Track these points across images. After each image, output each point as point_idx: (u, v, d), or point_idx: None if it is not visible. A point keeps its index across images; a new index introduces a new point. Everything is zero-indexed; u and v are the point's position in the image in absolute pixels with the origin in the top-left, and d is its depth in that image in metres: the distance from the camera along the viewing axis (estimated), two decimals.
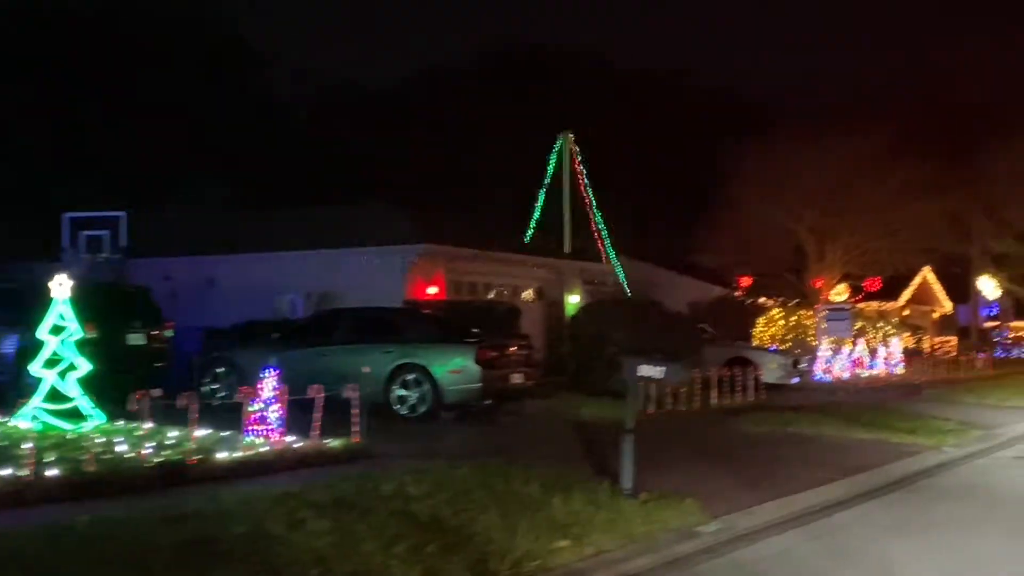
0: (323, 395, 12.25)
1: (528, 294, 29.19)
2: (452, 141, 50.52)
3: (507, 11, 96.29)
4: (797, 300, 36.46)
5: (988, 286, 37.75)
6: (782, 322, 33.54)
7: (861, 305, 44.63)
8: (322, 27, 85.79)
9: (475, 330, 17.83)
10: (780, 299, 37.25)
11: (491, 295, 27.94)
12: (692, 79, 62.90)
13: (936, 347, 52.23)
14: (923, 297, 58.82)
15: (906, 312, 56.13)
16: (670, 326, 21.12)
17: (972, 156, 37.11)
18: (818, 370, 30.71)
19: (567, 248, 34.42)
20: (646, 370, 9.86)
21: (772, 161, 36.01)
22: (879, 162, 35.39)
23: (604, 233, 35.48)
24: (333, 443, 12.15)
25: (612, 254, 35.82)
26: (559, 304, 29.31)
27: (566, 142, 36.29)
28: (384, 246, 24.40)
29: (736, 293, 39.90)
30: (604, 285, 32.33)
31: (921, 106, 40.59)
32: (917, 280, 55.61)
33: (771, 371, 25.70)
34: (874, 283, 38.79)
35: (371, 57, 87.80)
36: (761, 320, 33.72)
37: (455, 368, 16.53)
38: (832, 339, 31.68)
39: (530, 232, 34.72)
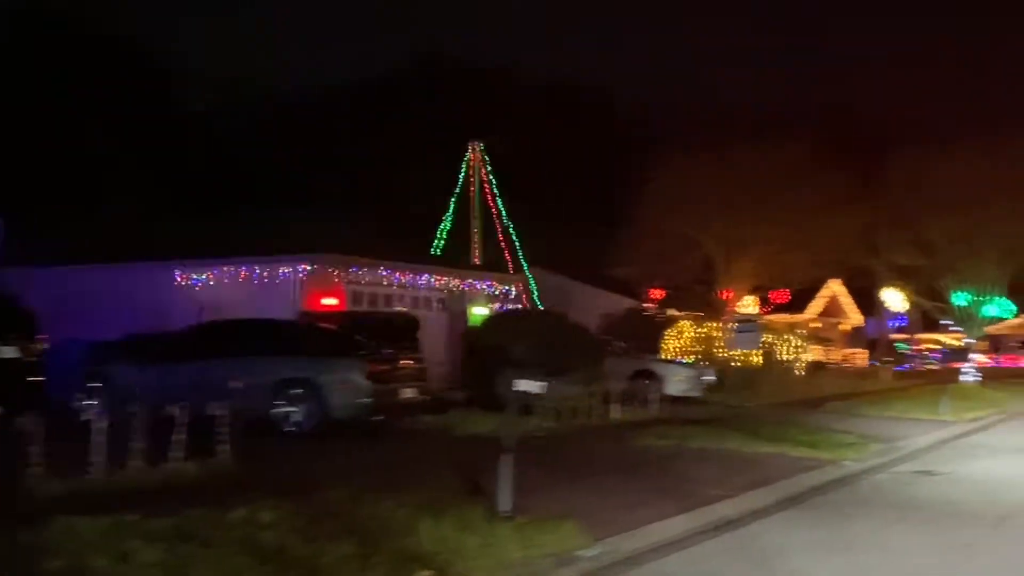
0: (186, 412, 11.40)
1: (434, 306, 28.51)
2: (363, 152, 49.72)
3: (420, 25, 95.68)
4: (706, 312, 36.29)
5: (894, 299, 37.98)
6: (691, 334, 33.28)
7: (771, 317, 44.79)
8: (232, 38, 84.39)
9: (365, 342, 17.14)
10: (691, 311, 37.11)
11: (398, 307, 27.19)
12: (602, 92, 62.86)
13: (844, 359, 52.78)
14: (832, 309, 59.49)
15: (816, 324, 56.68)
16: (573, 338, 20.60)
17: (875, 170, 37.32)
18: None
19: (476, 259, 33.84)
20: (525, 385, 9.28)
21: (680, 173, 35.76)
22: (784, 175, 35.35)
23: (516, 244, 34.91)
24: (198, 465, 11.35)
25: (524, 266, 35.23)
26: (464, 316, 28.69)
27: (475, 152, 35.69)
28: (279, 255, 23.52)
29: (647, 305, 39.63)
30: (510, 297, 31.75)
31: (825, 120, 40.85)
32: (826, 293, 56.23)
33: (676, 384, 25.37)
34: (783, 295, 38.83)
35: (280, 68, 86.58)
36: (670, 332, 33.43)
37: (343, 382, 15.80)
38: (740, 351, 31.56)
39: (439, 243, 34.06)
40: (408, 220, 38.18)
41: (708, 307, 37.09)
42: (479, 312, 29.05)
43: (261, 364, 16.18)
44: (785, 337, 36.08)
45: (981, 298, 35.47)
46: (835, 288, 56.70)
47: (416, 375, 17.07)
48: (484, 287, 29.60)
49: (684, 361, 30.04)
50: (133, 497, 10.01)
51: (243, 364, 16.26)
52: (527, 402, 14.58)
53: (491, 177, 35.30)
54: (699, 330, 33.22)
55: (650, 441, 16.99)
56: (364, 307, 25.41)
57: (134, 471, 10.79)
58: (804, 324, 54.53)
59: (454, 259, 29.55)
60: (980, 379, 35.99)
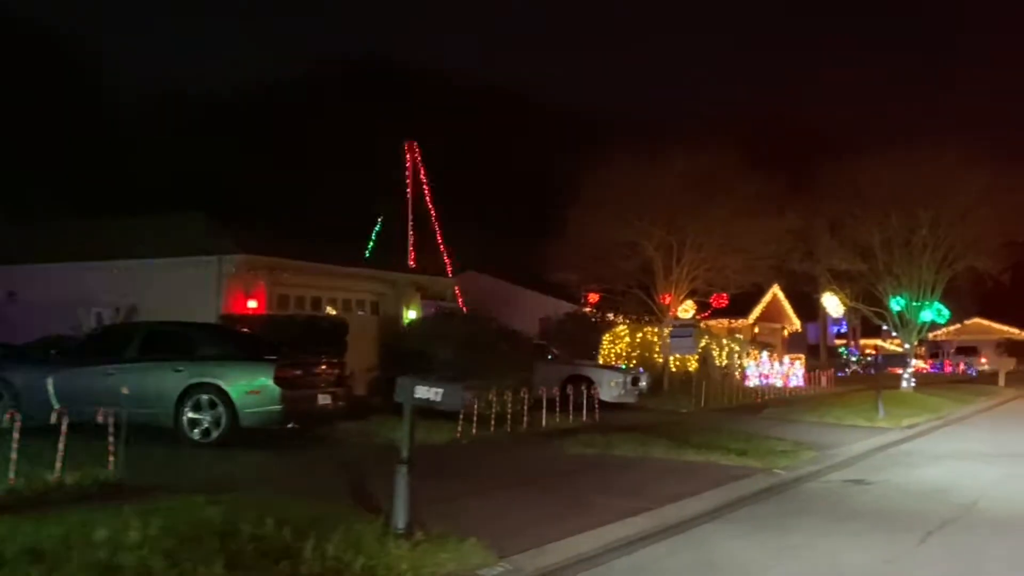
0: (66, 421, 10.62)
1: (367, 308, 27.78)
2: (296, 154, 48.77)
3: (358, 27, 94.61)
4: (645, 316, 35.84)
5: (832, 303, 37.75)
6: (628, 339, 32.78)
7: (712, 322, 44.43)
8: (162, 38, 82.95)
9: (278, 345, 16.40)
10: (631, 316, 36.62)
11: (328, 309, 26.42)
12: (541, 95, 62.64)
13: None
14: (773, 314, 59.27)
15: (756, 329, 56.45)
16: (500, 343, 19.94)
17: (811, 174, 37.14)
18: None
19: (410, 261, 33.08)
20: (423, 391, 8.64)
21: (616, 175, 35.32)
22: (720, 178, 35.05)
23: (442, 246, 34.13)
24: (81, 476, 10.58)
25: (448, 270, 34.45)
26: (397, 319, 27.96)
27: (412, 153, 34.86)
28: (199, 256, 22.66)
29: (585, 309, 39.10)
30: (444, 300, 31.10)
31: (761, 124, 40.66)
32: (767, 297, 55.92)
33: (609, 389, 24.82)
34: (721, 299, 38.39)
35: (211, 68, 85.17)
36: (607, 337, 32.91)
37: (253, 388, 14.99)
38: (677, 356, 31.12)
39: (371, 245, 33.23)
40: (343, 222, 37.34)
41: (647, 311, 36.65)
42: (412, 316, 28.37)
43: (168, 368, 15.36)
44: (724, 342, 35.72)
45: (917, 303, 35.35)
46: (776, 293, 56.43)
47: (335, 380, 16.29)
48: (417, 290, 28.90)
49: (620, 366, 29.54)
50: (12, 509, 9.27)
51: (148, 369, 15.47)
52: (455, 409, 13.96)
53: (426, 177, 34.42)
54: (637, 335, 32.72)
55: (575, 449, 16.43)
56: (291, 310, 24.66)
57: (9, 483, 9.99)
58: (748, 329, 54.41)
59: (384, 261, 28.73)
60: (913, 385, 35.97)
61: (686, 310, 37.67)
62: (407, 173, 34.60)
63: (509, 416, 18.44)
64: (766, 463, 16.06)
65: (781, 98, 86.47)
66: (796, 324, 62.60)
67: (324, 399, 15.83)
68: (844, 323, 67.35)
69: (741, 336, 39.27)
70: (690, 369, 31.89)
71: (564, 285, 39.29)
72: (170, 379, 15.18)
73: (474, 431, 17.32)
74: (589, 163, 36.99)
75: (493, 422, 17.93)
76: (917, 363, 69.76)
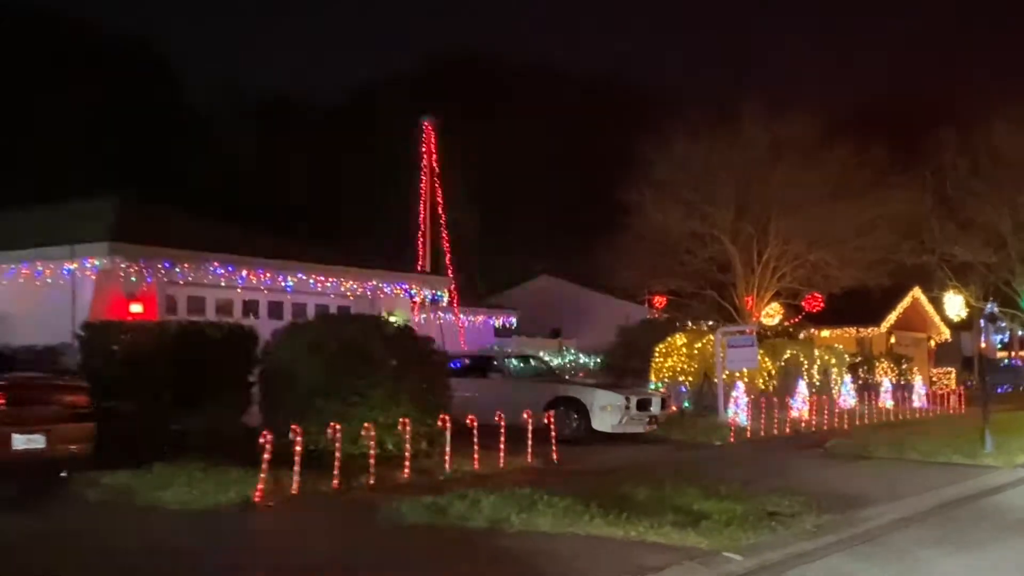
0: None
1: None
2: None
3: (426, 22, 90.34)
4: (720, 321, 29.68)
5: (955, 304, 30.67)
6: (685, 350, 26.60)
7: (835, 331, 37.62)
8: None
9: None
10: (707, 321, 30.57)
11: (264, 317, 21.24)
12: (597, 76, 57.04)
13: (933, 380, 45.00)
14: (914, 322, 51.32)
15: (892, 339, 48.75)
16: (392, 356, 14.29)
17: (919, 145, 30.27)
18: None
19: (423, 259, 27.86)
20: None
21: (683, 153, 29.46)
22: (811, 157, 28.68)
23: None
24: None
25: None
26: None
27: (429, 130, 29.54)
28: (52, 247, 17.78)
29: (653, 314, 33.12)
30: (441, 304, 25.79)
31: (859, 93, 33.99)
32: (904, 302, 48.17)
33: (602, 415, 18.86)
34: (815, 301, 31.82)
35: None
36: (659, 347, 26.78)
37: None
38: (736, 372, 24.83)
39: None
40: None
41: (724, 315, 30.53)
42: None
43: None
44: (817, 354, 29.05)
45: None
46: (916, 296, 48.52)
47: (61, 415, 10.96)
48: (400, 291, 23.50)
49: (651, 384, 23.63)
50: None
51: None
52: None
53: (438, 166, 29.02)
54: (696, 345, 26.47)
55: (416, 516, 10.62)
56: (208, 317, 19.64)
57: None
58: (880, 338, 46.97)
59: (352, 257, 23.42)
60: None
61: (770, 314, 31.24)
62: (421, 155, 29.19)
63: (372, 461, 12.78)
64: (720, 540, 10.07)
65: (879, 59, 77.39)
66: (944, 333, 54.51)
67: (28, 442, 10.53)
68: (1007, 331, 58.72)
69: (840, 346, 32.30)
70: (761, 387, 25.57)
71: (629, 288, 33.60)
72: None
73: (295, 488, 11.75)
74: (654, 142, 31.26)
75: (337, 470, 12.33)
76: None
